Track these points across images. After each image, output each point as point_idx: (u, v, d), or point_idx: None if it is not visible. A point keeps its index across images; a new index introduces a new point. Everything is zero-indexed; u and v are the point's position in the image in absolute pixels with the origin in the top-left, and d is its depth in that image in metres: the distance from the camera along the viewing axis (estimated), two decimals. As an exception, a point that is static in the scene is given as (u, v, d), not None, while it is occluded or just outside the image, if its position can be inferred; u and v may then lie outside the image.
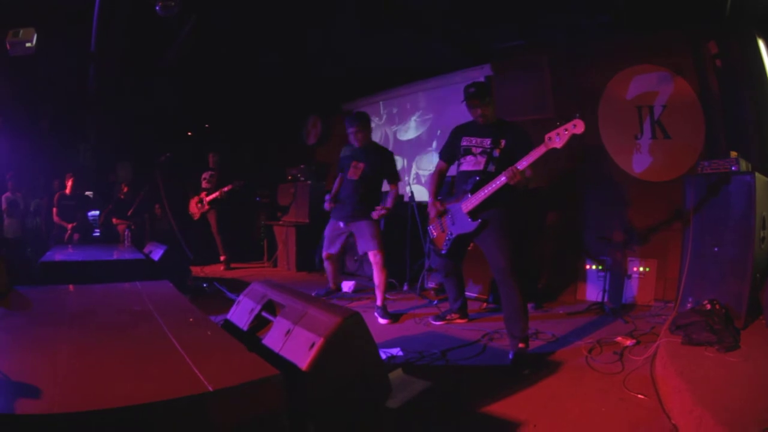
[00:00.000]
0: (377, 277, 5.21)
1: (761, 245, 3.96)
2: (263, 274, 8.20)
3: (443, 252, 4.40)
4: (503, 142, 4.02)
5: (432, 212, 4.44)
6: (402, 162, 8.88)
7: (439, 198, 4.47)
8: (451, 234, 4.26)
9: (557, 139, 3.50)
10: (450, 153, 4.45)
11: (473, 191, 4.00)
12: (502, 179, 3.76)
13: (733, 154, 4.22)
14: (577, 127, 3.45)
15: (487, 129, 4.15)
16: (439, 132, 8.25)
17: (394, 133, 9.20)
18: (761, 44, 5.01)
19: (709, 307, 3.65)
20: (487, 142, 4.08)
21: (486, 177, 3.97)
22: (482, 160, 4.07)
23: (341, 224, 5.45)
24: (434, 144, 8.33)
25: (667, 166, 5.65)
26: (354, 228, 5.31)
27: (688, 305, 4.06)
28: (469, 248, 4.65)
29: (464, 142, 4.23)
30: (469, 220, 4.03)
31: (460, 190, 4.20)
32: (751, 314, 3.87)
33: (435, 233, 4.45)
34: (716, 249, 4.13)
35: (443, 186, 4.69)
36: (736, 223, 4.03)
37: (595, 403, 2.95)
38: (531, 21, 6.14)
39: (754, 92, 5.13)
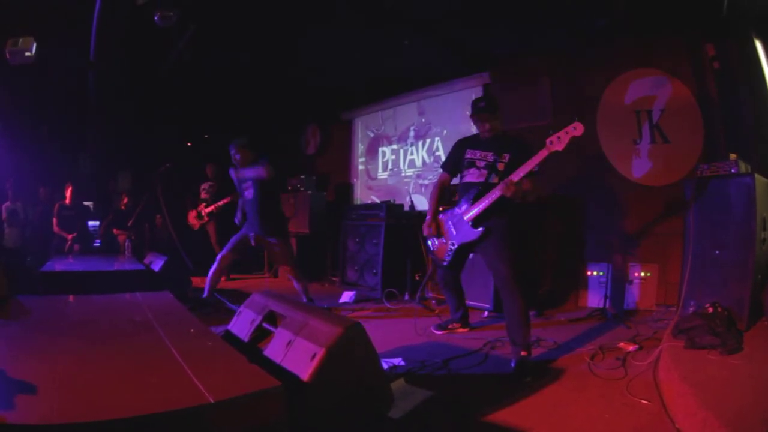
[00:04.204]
0: None
1: (762, 247, 3.95)
2: (264, 284, 8.18)
3: (445, 263, 4.40)
4: (507, 156, 4.04)
5: (425, 231, 4.45)
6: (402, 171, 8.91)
7: (440, 209, 4.48)
8: (454, 244, 4.26)
9: (558, 142, 3.55)
10: (453, 165, 4.46)
11: (473, 201, 4.03)
12: (497, 193, 3.81)
13: (733, 156, 4.21)
14: (577, 129, 3.51)
15: (491, 143, 4.16)
16: (438, 140, 8.27)
17: (393, 141, 9.21)
18: (758, 45, 5.02)
19: (711, 310, 3.64)
20: (491, 156, 4.10)
21: (486, 188, 3.99)
22: (485, 172, 4.08)
23: None
24: (434, 152, 8.35)
25: (666, 170, 5.66)
26: None
27: (690, 309, 4.04)
28: (469, 257, 4.63)
29: (468, 155, 4.24)
30: (472, 228, 4.05)
31: (461, 200, 4.21)
32: (753, 316, 3.85)
33: (436, 245, 4.45)
34: (717, 252, 4.12)
35: (443, 199, 4.68)
36: (736, 225, 4.01)
37: (599, 409, 2.93)
38: (529, 28, 6.15)
39: (752, 93, 5.12)
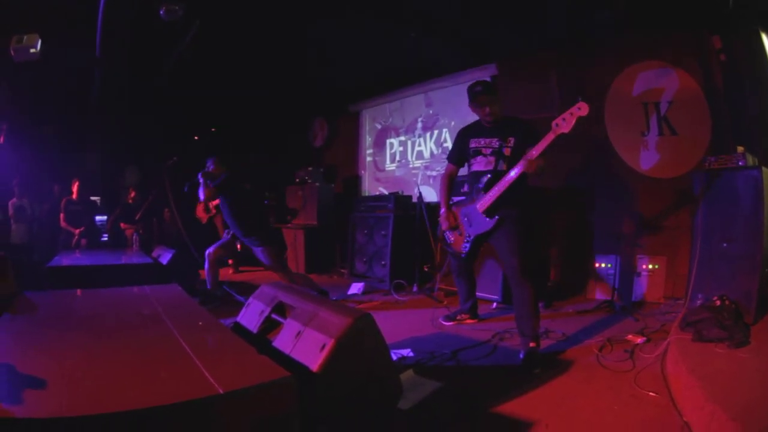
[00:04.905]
0: None
1: (770, 240, 3.93)
2: (273, 276, 8.20)
3: (463, 256, 4.35)
4: (512, 140, 4.00)
5: (444, 225, 4.40)
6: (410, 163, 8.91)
7: (451, 203, 4.45)
8: (470, 236, 4.21)
9: (564, 124, 3.48)
10: (459, 155, 4.42)
11: (486, 189, 3.97)
12: (518, 170, 3.73)
13: (740, 148, 4.19)
14: (582, 109, 3.43)
15: (493, 129, 4.12)
16: (446, 131, 8.26)
17: (401, 133, 9.21)
18: (765, 38, 4.99)
19: (718, 303, 3.63)
20: (495, 142, 4.05)
21: (497, 175, 3.94)
22: (493, 159, 4.05)
23: None
24: (442, 144, 8.34)
25: (674, 162, 5.63)
26: None
27: (698, 302, 4.02)
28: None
29: (473, 144, 4.20)
30: (486, 218, 3.99)
31: (473, 190, 4.18)
32: (760, 309, 3.83)
33: (452, 238, 4.40)
34: (725, 245, 4.09)
35: (453, 191, 4.64)
36: (744, 218, 3.98)
37: (607, 402, 2.94)
38: (536, 20, 6.12)
39: (758, 86, 5.10)
